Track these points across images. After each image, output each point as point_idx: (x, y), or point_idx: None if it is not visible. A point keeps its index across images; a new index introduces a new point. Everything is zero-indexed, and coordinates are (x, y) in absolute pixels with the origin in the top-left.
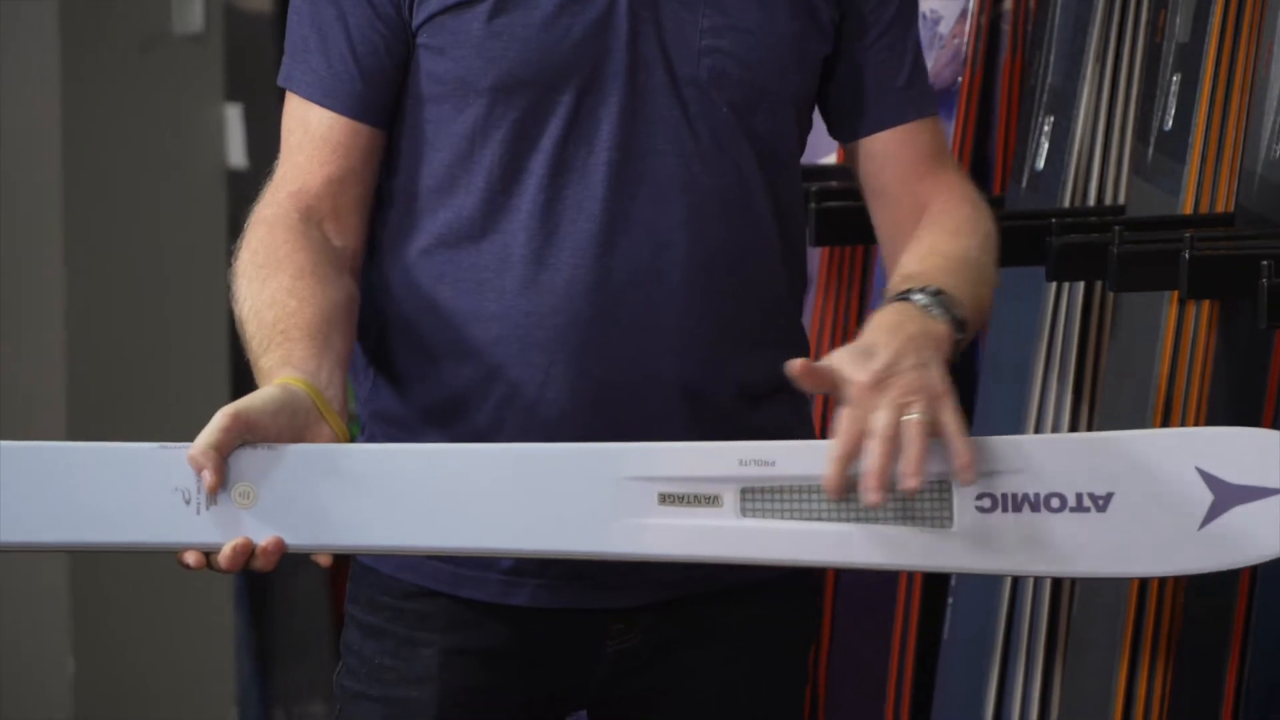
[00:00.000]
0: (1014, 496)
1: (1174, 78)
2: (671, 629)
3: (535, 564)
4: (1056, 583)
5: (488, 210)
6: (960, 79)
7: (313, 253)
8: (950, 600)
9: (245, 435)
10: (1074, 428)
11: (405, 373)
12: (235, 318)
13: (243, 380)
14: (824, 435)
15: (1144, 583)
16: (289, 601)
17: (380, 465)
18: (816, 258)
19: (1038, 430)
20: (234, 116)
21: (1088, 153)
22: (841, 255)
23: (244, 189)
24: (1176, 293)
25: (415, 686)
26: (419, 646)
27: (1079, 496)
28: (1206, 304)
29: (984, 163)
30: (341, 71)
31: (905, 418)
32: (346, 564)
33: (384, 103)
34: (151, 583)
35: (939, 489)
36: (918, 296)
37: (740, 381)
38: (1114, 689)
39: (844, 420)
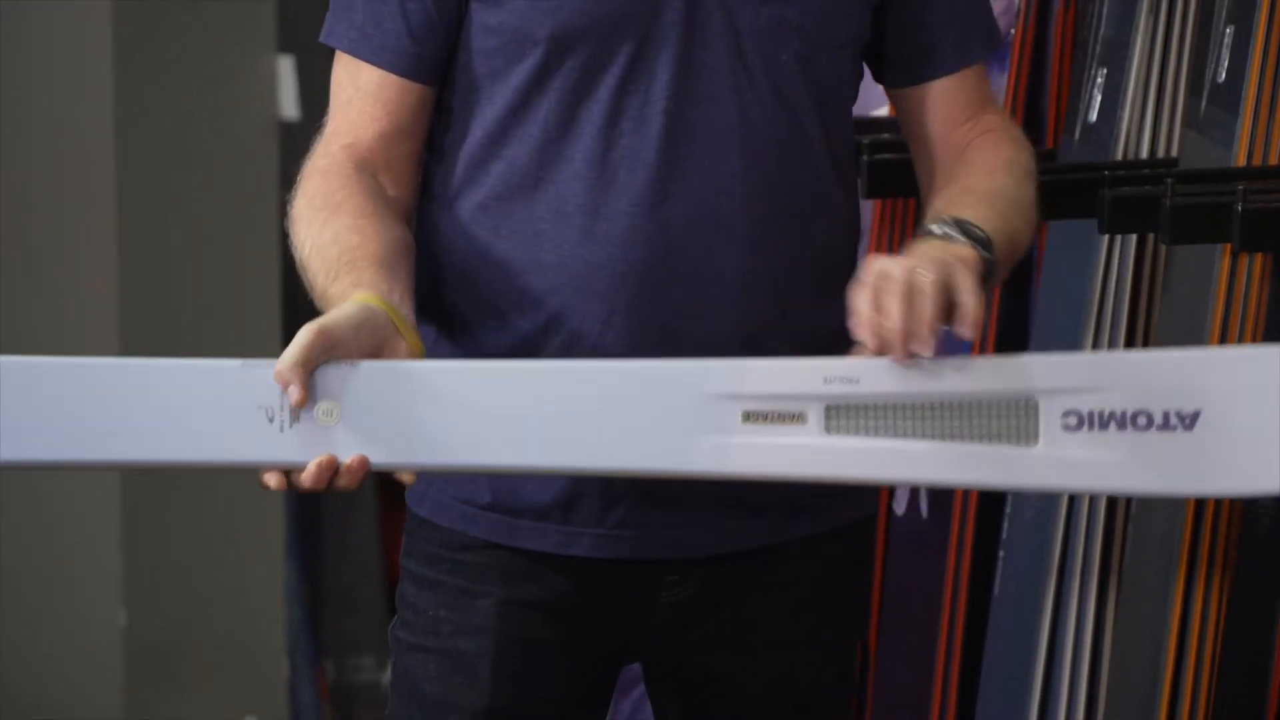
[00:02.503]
0: (1100, 414)
1: (1227, 29)
2: (726, 582)
3: (594, 514)
4: (1107, 541)
5: (541, 160)
6: (1013, 31)
7: (370, 196)
8: (1001, 554)
9: (329, 352)
10: None
11: (464, 326)
12: (296, 261)
13: (294, 331)
14: None
15: (1195, 537)
16: (340, 555)
17: (464, 382)
18: (869, 210)
19: None
20: (286, 68)
21: (1140, 105)
22: (894, 207)
23: (296, 141)
24: (1229, 245)
25: (472, 638)
26: (476, 598)
27: (1166, 415)
28: (1259, 257)
29: (1037, 115)
30: (390, 29)
31: (918, 274)
32: (399, 517)
33: (434, 59)
34: (204, 534)
35: (1025, 407)
36: (934, 227)
37: (797, 333)
38: (1165, 643)
39: (862, 283)
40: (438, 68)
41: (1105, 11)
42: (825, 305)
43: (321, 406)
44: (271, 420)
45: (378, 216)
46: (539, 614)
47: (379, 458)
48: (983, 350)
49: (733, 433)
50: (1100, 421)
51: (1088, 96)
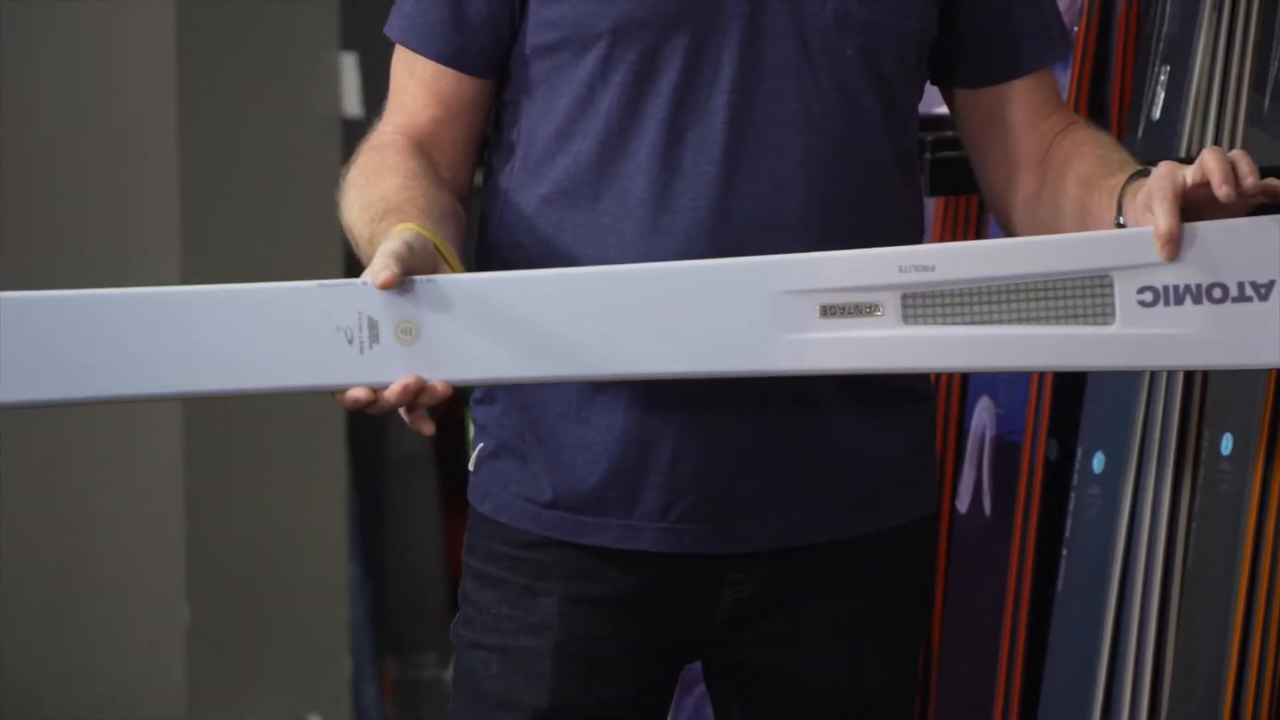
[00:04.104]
0: (1175, 289)
1: None
2: (789, 578)
3: (656, 508)
4: (1170, 537)
5: (606, 155)
6: (1076, 29)
7: (422, 165)
8: (1064, 552)
9: (409, 268)
10: (1188, 386)
11: None
12: (344, 227)
13: None
14: (938, 382)
15: (1259, 532)
16: (403, 552)
17: (537, 291)
18: (931, 208)
19: (1154, 373)
20: (349, 65)
21: (1204, 102)
22: (957, 205)
23: (359, 138)
24: None
25: (534, 635)
26: (538, 596)
27: (1241, 286)
28: None
29: (1100, 113)
30: (435, 19)
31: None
32: (462, 514)
33: (485, 51)
34: (267, 532)
35: (1100, 285)
36: (1137, 172)
37: None
38: (1229, 640)
39: (1161, 170)
40: (490, 61)
41: (1168, 9)
42: None
43: (399, 325)
44: (351, 341)
45: (427, 180)
46: (601, 611)
47: (460, 374)
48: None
49: (811, 328)
50: (1176, 296)
51: (1151, 94)
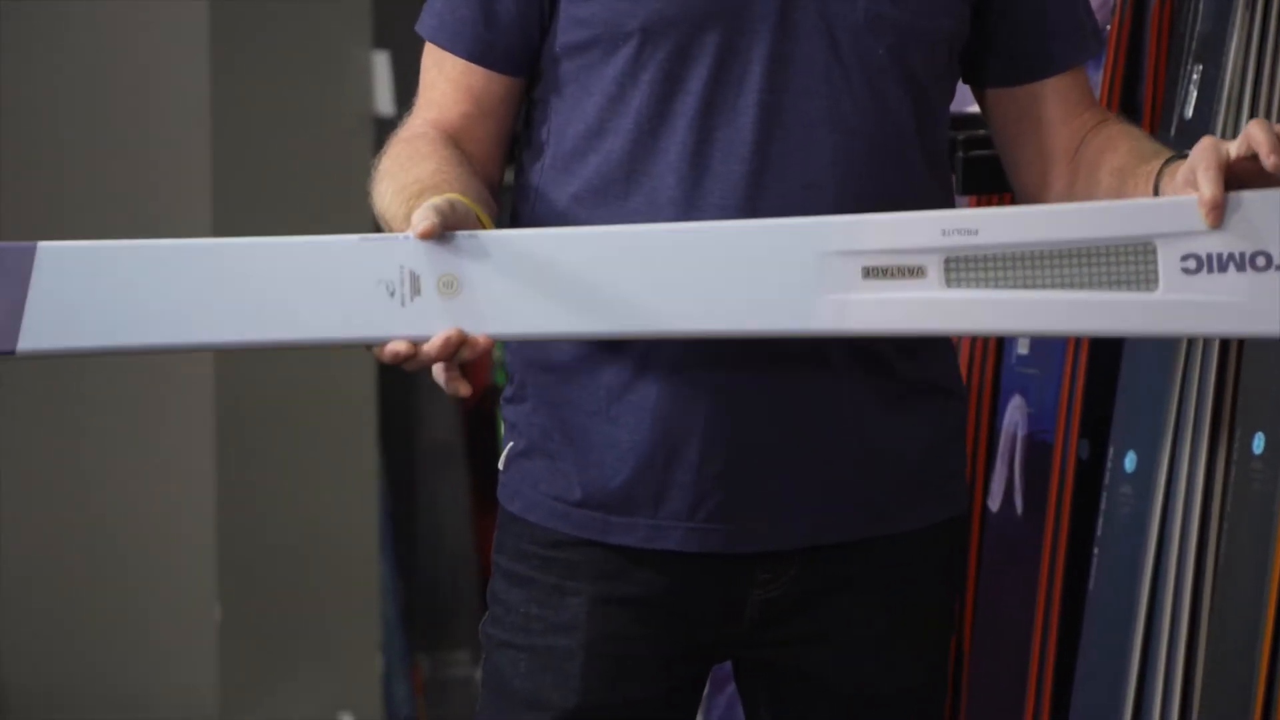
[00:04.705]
0: (1219, 256)
1: None
2: (817, 577)
3: (684, 507)
4: (1202, 536)
5: (636, 153)
6: (1109, 27)
7: (457, 153)
8: (1096, 551)
9: (450, 223)
10: (1220, 386)
11: None
12: (377, 216)
13: None
14: (969, 381)
15: None
16: (434, 550)
17: (581, 247)
18: (963, 207)
19: (1185, 372)
20: (381, 63)
21: (1237, 101)
22: (989, 204)
23: (391, 136)
24: None
25: (563, 635)
26: (567, 595)
27: None
28: None
29: (1132, 111)
30: (464, 16)
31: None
32: (495, 514)
33: (514, 49)
34: (298, 530)
35: (1143, 252)
36: (1172, 156)
37: None
38: (1260, 640)
39: (1204, 143)
40: (520, 59)
41: (1201, 7)
42: None
43: (441, 279)
44: (393, 294)
45: (461, 166)
46: (630, 611)
47: (501, 328)
48: (1075, 363)
49: (853, 289)
50: (1219, 264)
51: (1183, 93)
